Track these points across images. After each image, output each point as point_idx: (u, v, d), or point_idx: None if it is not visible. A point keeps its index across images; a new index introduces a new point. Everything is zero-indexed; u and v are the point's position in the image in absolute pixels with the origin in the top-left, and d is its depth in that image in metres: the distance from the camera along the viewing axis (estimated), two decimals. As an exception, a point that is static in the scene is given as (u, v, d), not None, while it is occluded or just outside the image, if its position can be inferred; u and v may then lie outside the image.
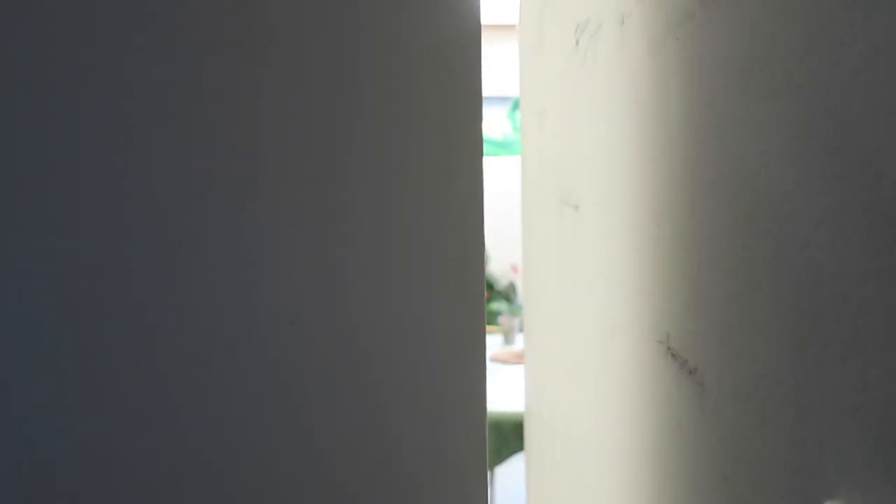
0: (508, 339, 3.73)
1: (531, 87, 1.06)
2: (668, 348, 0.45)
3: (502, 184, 6.51)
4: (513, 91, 6.52)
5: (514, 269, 6.45)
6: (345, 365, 0.49)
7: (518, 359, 3.38)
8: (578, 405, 0.77)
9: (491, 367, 3.30)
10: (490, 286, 6.30)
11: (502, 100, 6.53)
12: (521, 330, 3.92)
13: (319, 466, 0.49)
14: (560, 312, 0.86)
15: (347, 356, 0.48)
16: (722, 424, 0.37)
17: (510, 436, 2.61)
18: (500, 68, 6.53)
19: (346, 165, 0.49)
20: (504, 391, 2.98)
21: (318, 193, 0.48)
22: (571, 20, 0.73)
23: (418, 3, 0.51)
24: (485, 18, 6.36)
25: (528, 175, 1.10)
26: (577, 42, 0.71)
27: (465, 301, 0.53)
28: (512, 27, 6.35)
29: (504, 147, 6.55)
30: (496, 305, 6.05)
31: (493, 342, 3.74)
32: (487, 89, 6.52)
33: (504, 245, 6.51)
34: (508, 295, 6.37)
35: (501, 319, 3.85)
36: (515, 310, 6.01)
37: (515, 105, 6.55)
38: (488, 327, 5.43)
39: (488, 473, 3.01)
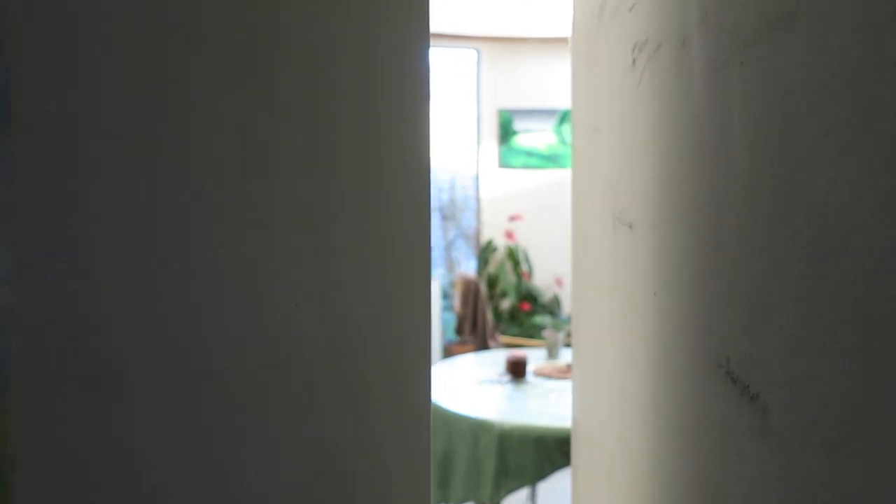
0: (552, 354, 3.71)
1: (584, 104, 1.06)
2: (728, 372, 0.45)
3: (547, 196, 6.49)
4: (560, 104, 6.51)
5: (559, 282, 6.41)
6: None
7: (562, 374, 3.36)
8: (630, 425, 0.76)
9: (534, 382, 3.28)
10: (534, 299, 6.28)
11: (549, 112, 6.51)
12: (565, 345, 3.89)
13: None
14: (611, 330, 0.85)
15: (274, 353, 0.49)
16: (786, 453, 0.37)
17: (553, 452, 2.59)
18: (547, 81, 6.52)
19: (287, 156, 0.50)
20: (548, 406, 2.96)
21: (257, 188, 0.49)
22: (629, 39, 0.73)
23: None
24: (534, 31, 6.37)
25: (579, 191, 1.09)
26: (634, 61, 0.71)
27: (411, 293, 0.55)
28: (559, 40, 6.34)
29: (550, 160, 6.54)
30: (540, 319, 6.01)
31: (537, 356, 3.72)
32: (535, 102, 6.52)
33: (548, 258, 6.48)
34: (552, 308, 6.33)
35: (545, 333, 3.82)
36: (559, 324, 5.97)
37: (562, 118, 6.53)
38: (531, 341, 5.41)
39: (530, 489, 2.99)
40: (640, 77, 0.68)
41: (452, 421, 2.80)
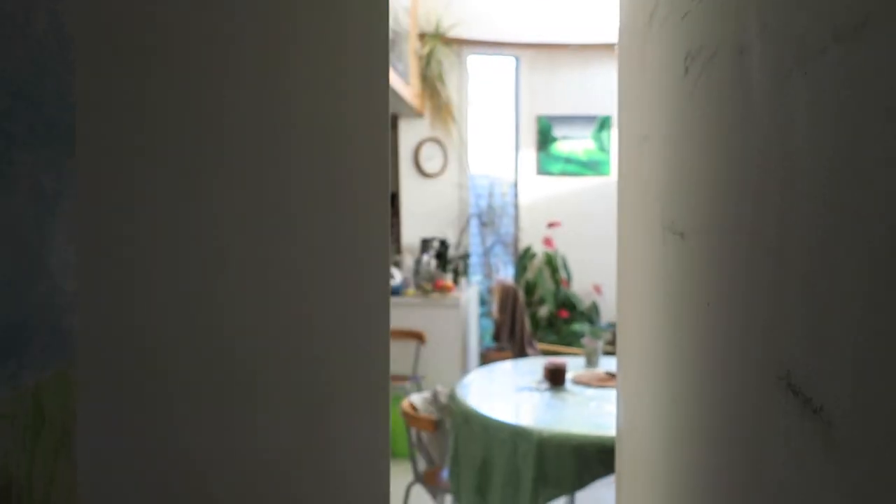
0: (591, 362, 3.68)
1: (631, 112, 1.05)
2: (789, 384, 0.44)
3: (586, 203, 6.45)
4: (599, 110, 6.47)
5: (598, 289, 6.37)
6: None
7: (602, 382, 3.33)
8: (680, 436, 0.76)
9: (572, 390, 3.26)
10: (572, 306, 6.24)
11: (588, 119, 6.48)
12: (604, 353, 3.86)
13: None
14: (660, 340, 0.85)
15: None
16: (852, 467, 0.36)
17: (593, 461, 2.57)
18: (587, 87, 6.49)
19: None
20: (587, 415, 2.94)
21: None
22: (681, 47, 0.73)
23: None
24: (573, 37, 6.34)
25: (626, 199, 1.09)
26: (687, 70, 0.71)
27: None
28: (599, 47, 6.30)
29: (589, 167, 6.50)
30: (578, 326, 5.97)
31: (575, 364, 3.69)
32: (574, 108, 6.49)
33: (587, 265, 6.44)
34: (591, 316, 6.29)
35: (584, 341, 3.79)
36: (598, 331, 5.92)
37: (602, 125, 6.49)
38: (569, 349, 5.37)
39: (568, 498, 2.97)
40: (694, 86, 0.68)
41: (491, 428, 2.79)
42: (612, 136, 6.43)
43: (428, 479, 3.30)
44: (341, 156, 0.66)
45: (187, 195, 0.56)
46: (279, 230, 0.62)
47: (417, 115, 6.37)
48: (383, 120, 0.68)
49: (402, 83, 5.45)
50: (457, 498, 3.00)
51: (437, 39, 6.16)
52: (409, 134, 6.51)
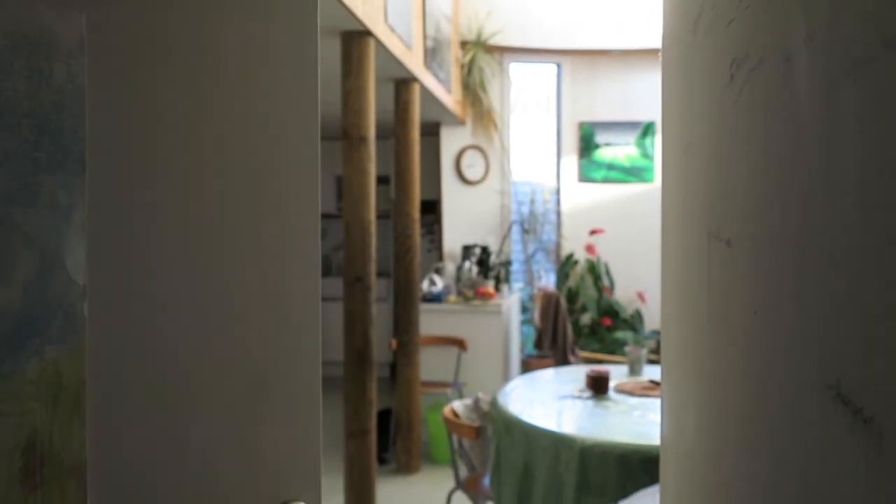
0: (635, 370, 3.64)
1: (675, 118, 1.05)
2: (839, 394, 0.44)
3: (629, 210, 6.39)
4: (642, 116, 6.41)
5: (641, 297, 6.30)
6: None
7: (645, 391, 3.29)
8: (726, 445, 0.75)
9: (615, 398, 3.23)
10: (615, 314, 6.18)
11: (631, 125, 6.43)
12: (648, 361, 3.81)
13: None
14: (705, 348, 0.84)
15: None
16: (904, 478, 0.36)
17: (637, 470, 2.54)
18: (630, 93, 6.44)
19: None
20: (631, 423, 2.91)
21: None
22: (726, 54, 0.73)
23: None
24: (616, 43, 6.30)
25: (670, 206, 1.08)
26: (732, 77, 0.70)
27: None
28: (642, 52, 6.25)
29: (632, 173, 6.44)
30: (621, 334, 5.91)
31: (618, 372, 3.66)
32: (616, 114, 6.45)
33: (630, 272, 6.38)
34: (634, 324, 6.22)
35: (628, 349, 3.76)
36: (641, 340, 5.86)
37: (645, 131, 6.43)
38: (612, 357, 5.32)
39: (611, 507, 2.94)
40: (739, 93, 0.68)
41: (533, 435, 2.78)
42: (656, 143, 6.36)
43: (469, 486, 3.30)
44: (273, 174, 0.82)
45: (162, 209, 0.73)
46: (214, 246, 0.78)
47: (459, 122, 6.39)
48: (313, 141, 0.85)
49: (444, 91, 5.48)
50: (498, 505, 2.99)
51: (478, 47, 6.18)
52: (451, 141, 6.53)
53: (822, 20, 0.47)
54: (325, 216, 7.87)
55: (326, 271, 7.85)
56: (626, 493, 2.61)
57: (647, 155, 6.45)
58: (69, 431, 0.65)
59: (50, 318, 0.63)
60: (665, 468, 1.14)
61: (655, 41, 6.16)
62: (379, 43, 3.67)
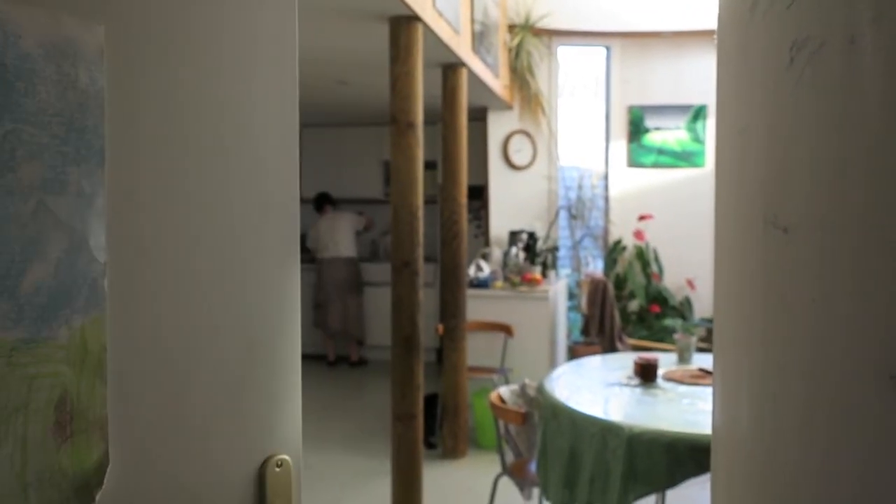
0: (684, 358, 3.60)
1: (730, 102, 1.03)
2: (902, 385, 0.43)
3: (679, 195, 6.29)
4: (694, 99, 6.29)
5: (691, 284, 6.20)
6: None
7: (695, 379, 3.25)
8: (781, 435, 0.74)
9: (664, 386, 3.19)
10: (664, 301, 6.10)
11: (682, 108, 6.31)
12: (697, 349, 3.76)
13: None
14: (760, 336, 0.83)
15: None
16: (971, 471, 0.35)
17: (686, 459, 2.52)
18: (681, 76, 6.32)
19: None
20: (680, 412, 2.88)
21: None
22: (785, 36, 0.71)
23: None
24: (667, 25, 6.18)
25: (724, 192, 1.06)
26: (792, 60, 0.69)
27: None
28: (694, 34, 6.12)
29: (682, 158, 6.33)
30: (670, 322, 5.84)
31: (667, 360, 3.62)
32: (667, 98, 6.34)
33: (680, 259, 6.29)
34: (684, 311, 6.13)
35: (677, 337, 3.71)
36: (691, 327, 5.78)
37: (696, 115, 6.31)
38: (661, 344, 5.26)
39: (658, 495, 2.92)
40: (800, 76, 0.66)
41: (579, 422, 2.78)
42: (708, 126, 6.23)
43: (515, 472, 3.31)
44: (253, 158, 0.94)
45: (167, 195, 0.85)
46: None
47: (506, 107, 6.36)
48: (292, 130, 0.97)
49: (491, 76, 5.45)
50: (544, 491, 3.00)
51: (526, 31, 6.13)
52: (498, 126, 6.51)
53: (889, 1, 0.45)
54: (372, 202, 7.93)
55: (374, 256, 7.91)
56: (674, 482, 2.59)
57: (698, 139, 6.33)
58: (93, 391, 0.76)
59: (77, 291, 0.74)
60: (717, 457, 1.13)
61: (708, 22, 6.02)
62: (427, 28, 3.66)
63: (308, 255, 7.64)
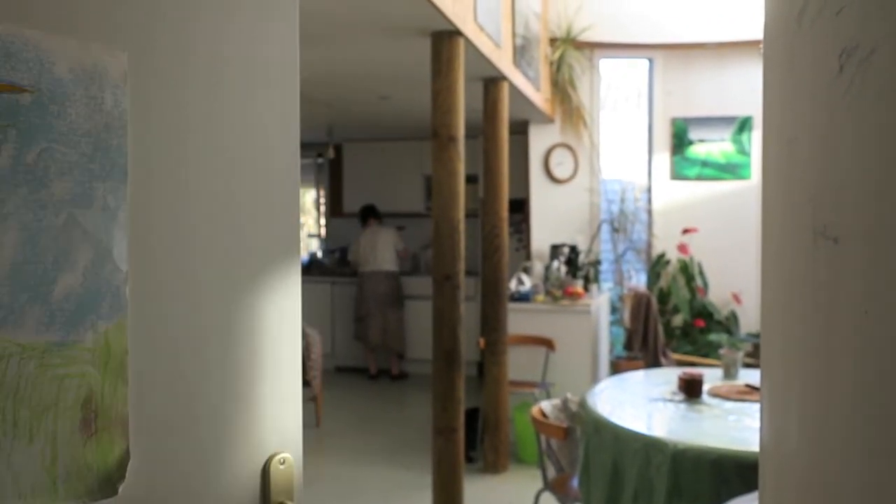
0: (730, 374, 3.53)
1: (777, 112, 1.01)
2: (961, 400, 0.41)
3: (724, 208, 6.19)
4: (739, 111, 6.20)
5: (737, 298, 6.09)
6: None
7: (741, 395, 3.18)
8: (831, 452, 0.72)
9: (709, 402, 3.13)
10: (709, 316, 6.00)
11: (727, 120, 6.23)
12: (743, 365, 3.69)
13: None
14: (811, 350, 0.81)
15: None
16: None
17: (732, 477, 2.46)
18: (725, 87, 6.24)
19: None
20: (726, 428, 2.82)
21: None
22: (834, 44, 0.70)
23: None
24: (711, 36, 6.12)
25: (771, 203, 1.04)
26: (842, 68, 0.67)
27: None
28: (739, 45, 6.04)
29: (727, 170, 6.24)
30: (715, 337, 5.74)
31: (712, 376, 3.55)
32: (711, 109, 6.26)
33: (725, 273, 6.18)
34: (729, 326, 6.02)
35: (723, 352, 3.64)
36: (737, 342, 5.66)
37: (741, 126, 6.21)
38: (706, 360, 5.17)
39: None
40: (850, 84, 0.65)
41: (622, 438, 2.74)
42: (754, 138, 6.13)
43: (557, 487, 3.27)
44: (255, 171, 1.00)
45: (184, 209, 0.91)
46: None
47: (548, 120, 6.35)
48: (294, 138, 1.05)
49: (533, 89, 5.45)
50: (587, 507, 2.96)
51: (567, 44, 6.12)
52: (539, 140, 6.49)
53: (943, 5, 0.44)
54: (413, 215, 7.96)
55: (415, 270, 7.94)
56: (720, 500, 2.53)
57: (743, 151, 6.23)
58: (115, 390, 0.82)
59: (101, 298, 0.80)
60: (764, 475, 1.10)
61: (753, 33, 5.94)
62: (468, 42, 3.68)
63: (349, 269, 7.71)
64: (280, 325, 1.02)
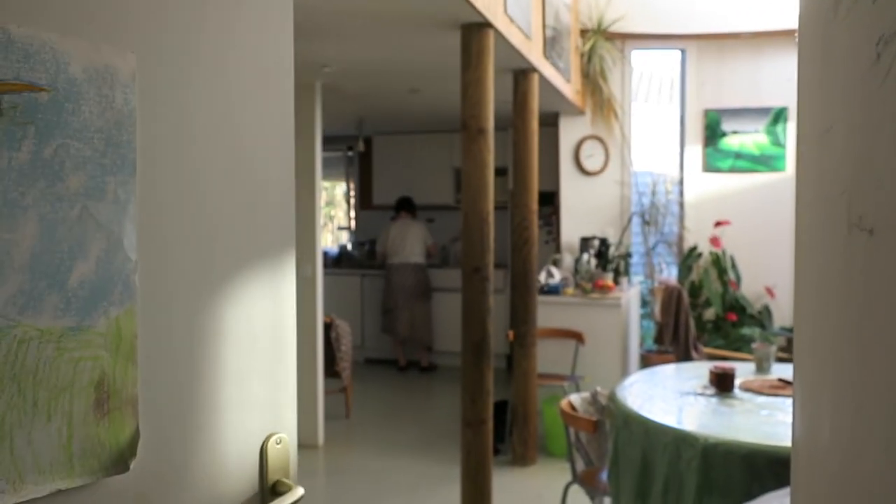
0: (762, 368, 3.48)
1: (812, 102, 0.99)
2: None
3: (758, 201, 6.10)
4: (773, 101, 6.10)
5: (770, 292, 6.00)
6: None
7: (774, 390, 3.14)
8: (868, 448, 0.71)
9: (741, 396, 3.10)
10: (742, 309, 5.92)
11: (761, 111, 6.13)
12: (776, 359, 3.64)
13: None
14: (843, 344, 0.79)
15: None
16: None
17: (764, 472, 2.43)
18: (759, 78, 6.14)
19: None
20: (758, 423, 2.79)
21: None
22: (871, 31, 0.68)
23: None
24: (745, 25, 6.02)
25: (805, 195, 1.03)
26: (879, 56, 0.66)
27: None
28: (774, 34, 5.94)
29: (761, 162, 6.15)
30: (748, 331, 5.67)
31: (744, 370, 3.51)
32: (745, 100, 6.16)
33: (758, 266, 6.10)
34: (762, 320, 5.94)
35: (755, 346, 3.60)
36: (770, 336, 5.59)
37: (776, 118, 6.11)
38: (737, 354, 5.11)
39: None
40: (887, 72, 0.64)
41: (652, 431, 2.72)
42: (789, 129, 6.03)
43: (586, 480, 3.27)
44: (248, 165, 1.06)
45: (183, 201, 0.96)
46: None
47: (578, 112, 6.30)
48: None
49: (563, 81, 5.41)
50: (616, 501, 2.94)
51: (598, 35, 6.06)
52: (570, 132, 6.45)
53: (984, -10, 0.43)
54: (443, 208, 7.97)
55: (444, 262, 7.95)
56: (751, 496, 2.50)
57: (777, 142, 6.13)
58: (126, 373, 0.87)
59: (113, 285, 0.85)
60: (797, 471, 1.09)
61: (788, 22, 5.83)
62: (498, 34, 3.67)
63: (376, 262, 7.74)
64: (277, 313, 1.09)
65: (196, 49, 0.97)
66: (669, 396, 3.14)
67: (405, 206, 7.41)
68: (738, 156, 6.21)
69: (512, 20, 3.91)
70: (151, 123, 0.91)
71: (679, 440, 2.61)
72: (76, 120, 0.81)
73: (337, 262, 8.27)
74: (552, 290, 5.33)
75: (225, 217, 1.01)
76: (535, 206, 4.89)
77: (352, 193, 8.90)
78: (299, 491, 1.04)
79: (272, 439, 1.07)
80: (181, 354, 0.95)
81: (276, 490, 1.06)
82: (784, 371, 3.46)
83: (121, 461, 0.87)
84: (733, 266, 6.11)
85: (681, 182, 6.36)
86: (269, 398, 1.08)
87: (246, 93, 1.04)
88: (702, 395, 3.12)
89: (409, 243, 7.20)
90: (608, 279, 5.46)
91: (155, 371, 0.91)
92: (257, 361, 1.06)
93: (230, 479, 1.02)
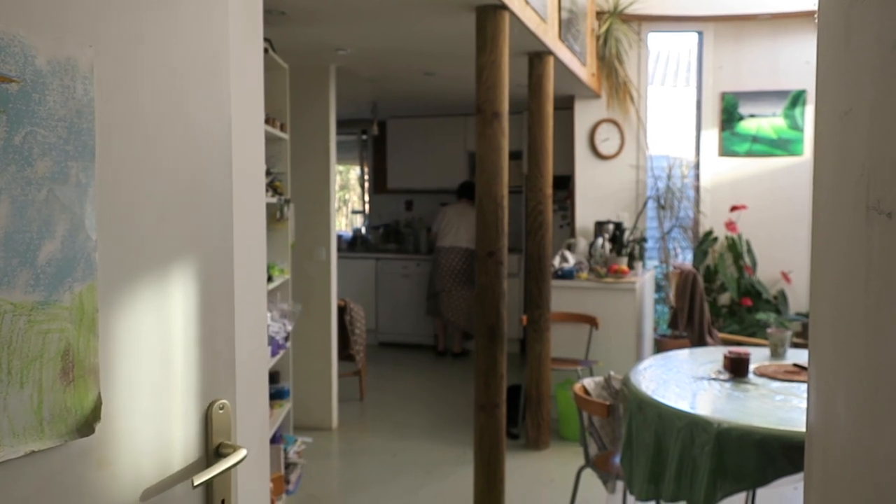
0: (777, 353, 3.47)
1: (832, 85, 0.98)
2: None
3: (775, 185, 6.05)
4: (791, 84, 6.03)
5: (786, 277, 5.96)
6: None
7: (788, 375, 3.13)
8: (884, 433, 0.71)
9: (756, 381, 3.09)
10: (757, 294, 5.89)
11: (779, 94, 6.06)
12: (791, 345, 3.62)
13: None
14: (861, 328, 0.79)
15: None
16: None
17: (778, 456, 2.43)
18: (778, 60, 6.06)
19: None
20: (773, 408, 2.78)
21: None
22: (892, 14, 0.67)
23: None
24: (764, 6, 5.94)
25: (823, 179, 1.02)
26: (900, 37, 0.65)
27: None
28: (792, 16, 5.86)
29: (778, 146, 6.09)
30: (763, 316, 5.64)
31: (759, 355, 3.50)
32: (762, 83, 6.09)
33: (774, 251, 6.05)
34: (778, 305, 5.90)
35: (770, 331, 3.58)
36: (785, 321, 5.56)
37: (794, 101, 6.04)
38: (752, 339, 5.08)
39: (748, 494, 2.83)
40: (908, 54, 0.63)
41: (666, 416, 2.72)
42: (807, 113, 5.96)
43: (599, 464, 3.27)
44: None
45: (136, 185, 1.04)
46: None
47: (594, 95, 6.26)
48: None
49: (578, 64, 5.37)
50: (629, 485, 2.95)
51: (615, 17, 6.00)
52: (585, 115, 6.41)
53: None
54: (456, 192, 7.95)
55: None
56: (765, 481, 2.50)
57: (796, 126, 6.06)
58: (88, 344, 0.94)
59: (76, 263, 0.92)
60: (811, 455, 1.09)
61: (807, 3, 5.74)
62: (514, 16, 3.64)
63: (393, 246, 7.71)
64: (217, 287, 1.18)
65: (146, 40, 1.05)
66: (683, 381, 3.14)
67: (467, 192, 7.17)
68: (756, 139, 6.15)
69: (527, 2, 3.88)
70: (107, 112, 0.98)
71: (693, 425, 2.61)
72: (42, 109, 0.88)
73: (351, 245, 8.28)
74: (566, 275, 5.32)
75: (172, 196, 1.09)
76: (549, 190, 4.87)
77: (366, 177, 8.90)
78: (242, 452, 1.15)
79: (216, 405, 1.16)
80: (135, 326, 1.03)
81: (220, 452, 1.16)
82: (799, 356, 3.45)
83: (86, 425, 0.95)
84: (749, 251, 6.07)
85: (697, 166, 6.30)
86: (211, 367, 1.16)
87: (191, 80, 1.13)
88: (716, 379, 3.12)
89: (465, 228, 7.07)
90: (623, 263, 5.44)
91: (113, 343, 0.99)
92: (200, 332, 1.15)
93: (179, 442, 1.11)
